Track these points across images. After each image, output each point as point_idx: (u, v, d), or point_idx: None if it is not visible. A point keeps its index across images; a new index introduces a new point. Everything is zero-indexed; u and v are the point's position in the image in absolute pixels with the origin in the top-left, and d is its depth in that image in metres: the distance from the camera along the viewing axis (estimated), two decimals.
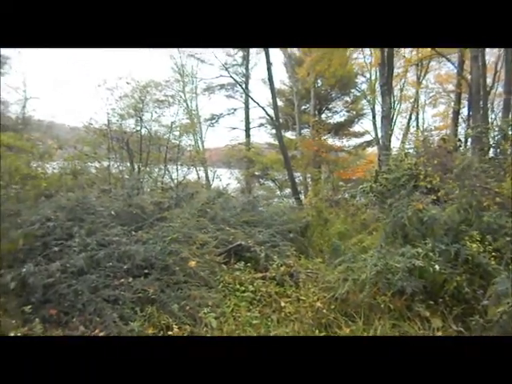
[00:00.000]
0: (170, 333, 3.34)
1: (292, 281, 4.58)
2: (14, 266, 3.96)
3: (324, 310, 3.82)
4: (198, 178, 15.03)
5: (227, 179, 16.32)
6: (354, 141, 23.05)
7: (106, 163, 10.13)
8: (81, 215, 5.00)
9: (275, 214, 6.84)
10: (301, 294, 4.24)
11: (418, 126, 19.87)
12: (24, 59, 14.65)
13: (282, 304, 4.05)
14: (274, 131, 21.42)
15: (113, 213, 5.33)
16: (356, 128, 23.09)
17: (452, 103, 17.13)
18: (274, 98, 12.69)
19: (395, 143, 16.99)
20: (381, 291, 3.94)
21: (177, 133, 12.18)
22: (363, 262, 4.23)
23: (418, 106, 20.36)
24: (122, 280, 3.85)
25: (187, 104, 20.16)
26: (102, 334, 3.20)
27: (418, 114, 20.56)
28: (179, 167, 11.98)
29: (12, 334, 3.03)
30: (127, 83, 10.48)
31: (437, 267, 3.93)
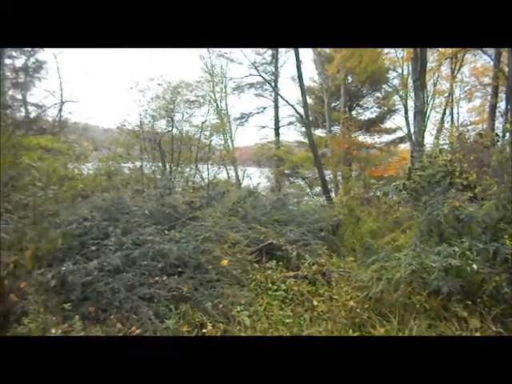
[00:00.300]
0: (204, 331, 3.38)
1: (324, 280, 4.55)
2: (53, 265, 4.11)
3: (357, 310, 3.77)
4: (228, 177, 15.15)
5: (257, 178, 16.38)
6: (386, 137, 22.64)
7: (138, 164, 10.39)
8: (116, 215, 5.13)
9: (306, 212, 6.80)
10: (333, 293, 4.20)
11: (452, 121, 19.34)
12: (60, 64, 15.15)
13: (315, 303, 4.03)
14: (303, 129, 21.34)
15: (146, 212, 5.44)
16: (388, 124, 22.70)
17: (489, 97, 16.54)
18: (303, 95, 12.63)
19: (429, 139, 16.58)
20: (416, 291, 3.86)
21: (207, 132, 12.39)
22: (397, 261, 4.15)
23: (452, 100, 19.79)
24: (157, 278, 3.93)
25: (217, 104, 20.37)
26: (138, 332, 3.28)
27: (452, 108, 19.99)
28: (210, 166, 12.17)
29: (53, 331, 3.14)
30: (159, 84, 10.71)
31: (474, 266, 3.81)
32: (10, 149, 6.98)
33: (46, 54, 16.70)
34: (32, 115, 13.11)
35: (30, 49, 13.41)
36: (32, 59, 13.79)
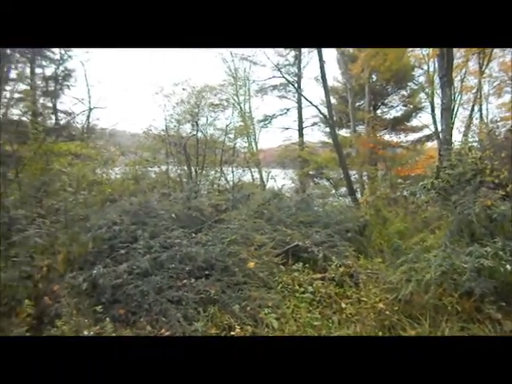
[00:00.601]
0: (232, 333, 3.40)
1: (352, 281, 4.50)
2: (84, 268, 4.21)
3: (387, 312, 3.71)
4: (253, 179, 15.14)
5: (281, 180, 16.34)
6: (412, 136, 22.11)
7: (164, 167, 10.54)
8: (144, 219, 5.23)
9: (331, 213, 6.75)
10: (361, 295, 4.16)
11: (481, 117, 18.75)
12: (87, 71, 15.54)
13: (343, 305, 4.00)
14: (327, 129, 21.19)
15: (173, 216, 5.52)
16: (414, 122, 22.17)
17: None
18: (327, 95, 12.52)
19: (457, 137, 16.15)
20: (447, 292, 3.78)
21: (231, 135, 12.43)
22: (427, 262, 4.07)
23: (481, 96, 19.19)
24: (185, 281, 3.98)
25: (241, 106, 20.41)
26: (167, 334, 3.32)
27: (481, 104, 19.36)
28: (234, 169, 12.22)
29: (85, 333, 3.21)
30: (183, 89, 10.83)
31: (508, 267, 3.71)
32: (41, 155, 7.21)
33: (74, 63, 17.17)
34: (62, 122, 13.50)
35: (59, 58, 13.81)
36: (61, 68, 14.17)
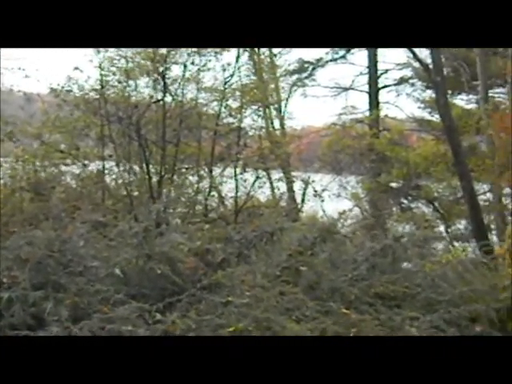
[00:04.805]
0: None
1: None
2: None
3: None
4: (273, 191, 9.75)
5: (334, 197, 10.80)
6: None
7: (95, 166, 7.12)
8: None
9: (441, 277, 3.38)
10: None
11: None
12: None
13: None
14: (425, 94, 13.46)
15: (117, 272, 2.89)
16: None
17: None
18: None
19: None
20: None
21: (234, 101, 7.88)
22: None
23: None
24: None
25: None
26: None
27: None
28: (238, 172, 7.82)
29: None
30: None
31: None
32: None
33: None
34: None
35: None
36: None
